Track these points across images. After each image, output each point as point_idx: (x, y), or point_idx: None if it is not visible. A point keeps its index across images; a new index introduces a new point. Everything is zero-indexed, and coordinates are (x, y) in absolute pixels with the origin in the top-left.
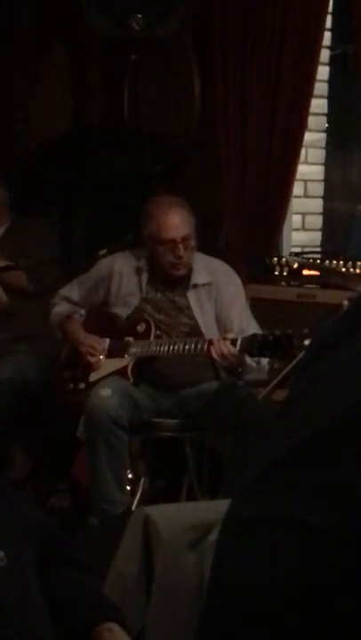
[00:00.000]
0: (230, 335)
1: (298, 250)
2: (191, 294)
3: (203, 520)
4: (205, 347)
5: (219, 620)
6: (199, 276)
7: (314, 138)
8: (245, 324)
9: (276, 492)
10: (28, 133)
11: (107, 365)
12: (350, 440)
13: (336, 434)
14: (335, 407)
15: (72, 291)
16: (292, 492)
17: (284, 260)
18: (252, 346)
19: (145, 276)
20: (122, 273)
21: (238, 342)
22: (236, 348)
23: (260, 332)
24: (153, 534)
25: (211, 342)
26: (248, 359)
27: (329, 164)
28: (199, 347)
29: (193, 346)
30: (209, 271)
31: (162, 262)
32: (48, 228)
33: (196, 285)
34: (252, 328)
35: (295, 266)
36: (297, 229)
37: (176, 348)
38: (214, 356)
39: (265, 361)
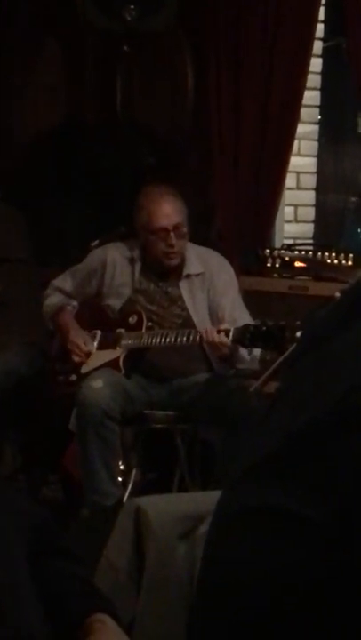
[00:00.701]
0: (223, 326)
1: (290, 242)
2: (183, 284)
3: (194, 511)
4: (197, 338)
5: (210, 612)
6: (192, 266)
7: (307, 130)
8: (237, 314)
9: (269, 485)
10: (21, 127)
11: (98, 357)
12: (342, 432)
13: (329, 426)
14: (328, 399)
15: (65, 282)
16: (286, 484)
17: (276, 252)
18: (245, 336)
19: (138, 267)
20: (115, 264)
21: (231, 333)
22: (229, 339)
23: (252, 322)
24: (144, 525)
25: (202, 335)
26: (241, 350)
27: (322, 157)
28: (191, 338)
29: (185, 337)
30: (202, 261)
31: (154, 252)
32: (20, 224)
33: (188, 275)
34: (245, 318)
35: (287, 258)
36: (289, 221)
37: (168, 339)
38: (206, 346)
39: (257, 351)
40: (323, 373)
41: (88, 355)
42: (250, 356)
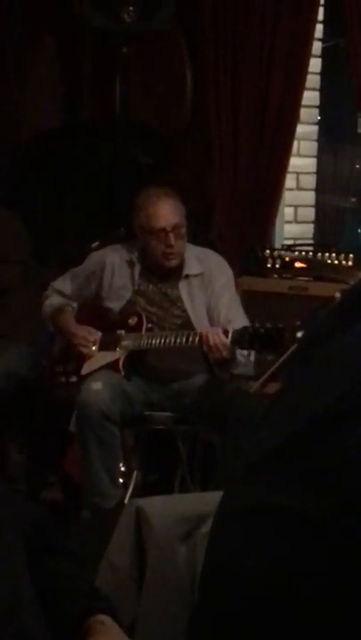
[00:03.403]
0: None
1: (290, 242)
2: (183, 285)
3: (195, 512)
4: (197, 339)
5: (212, 612)
6: (191, 267)
7: (306, 130)
8: (233, 315)
9: (269, 483)
10: (19, 125)
11: (98, 359)
12: (341, 429)
13: (327, 423)
14: (326, 397)
15: (64, 284)
16: (286, 482)
17: (276, 252)
18: (243, 338)
19: (138, 269)
20: (114, 266)
21: (230, 334)
22: (228, 340)
23: (248, 323)
24: (145, 526)
25: (202, 334)
26: (238, 353)
27: (321, 157)
28: (190, 339)
29: (184, 338)
30: (200, 261)
31: (154, 253)
32: (19, 226)
33: (188, 276)
34: (240, 319)
35: (287, 258)
36: (289, 222)
37: (167, 340)
38: (205, 347)
39: (253, 356)
40: (322, 372)
41: (95, 343)
42: (246, 359)
